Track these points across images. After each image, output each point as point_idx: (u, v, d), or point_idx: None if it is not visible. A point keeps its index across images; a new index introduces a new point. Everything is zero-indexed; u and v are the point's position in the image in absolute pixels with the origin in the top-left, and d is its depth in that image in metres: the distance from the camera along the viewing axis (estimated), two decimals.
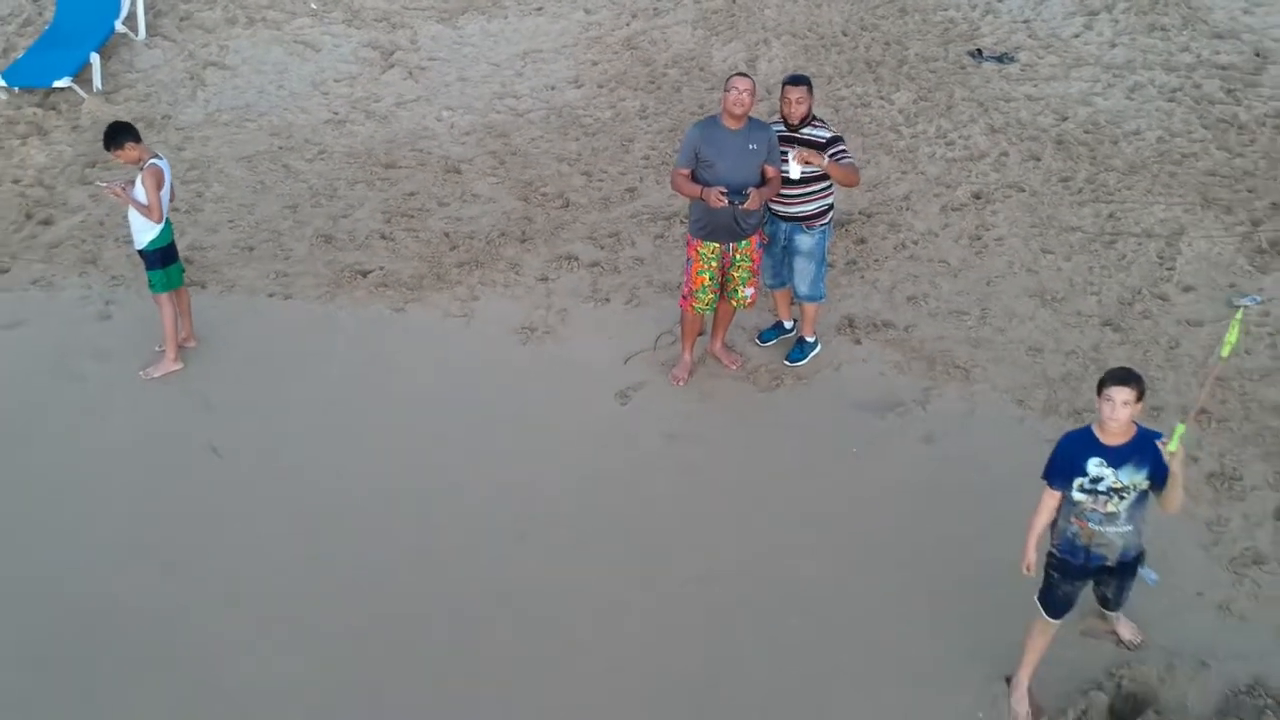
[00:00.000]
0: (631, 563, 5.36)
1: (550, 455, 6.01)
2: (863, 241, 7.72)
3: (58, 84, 9.42)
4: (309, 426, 6.24)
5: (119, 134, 6.15)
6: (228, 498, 5.79)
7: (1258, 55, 9.80)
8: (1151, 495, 4.25)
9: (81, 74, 9.65)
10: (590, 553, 5.41)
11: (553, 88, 9.98)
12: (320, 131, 9.31)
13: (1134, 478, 4.16)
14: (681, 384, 6.50)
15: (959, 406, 6.25)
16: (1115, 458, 4.16)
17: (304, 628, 5.05)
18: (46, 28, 10.33)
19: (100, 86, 9.76)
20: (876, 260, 7.53)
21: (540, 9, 11.26)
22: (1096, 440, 4.18)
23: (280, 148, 9.06)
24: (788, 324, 6.82)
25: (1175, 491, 4.19)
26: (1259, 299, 6.91)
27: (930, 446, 6.00)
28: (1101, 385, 4.12)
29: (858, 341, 6.81)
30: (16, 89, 9.56)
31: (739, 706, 4.68)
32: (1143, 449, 4.16)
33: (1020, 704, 4.61)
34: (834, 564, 5.32)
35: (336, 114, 9.56)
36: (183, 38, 10.63)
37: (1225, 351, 4.25)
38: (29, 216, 8.20)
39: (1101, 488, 4.19)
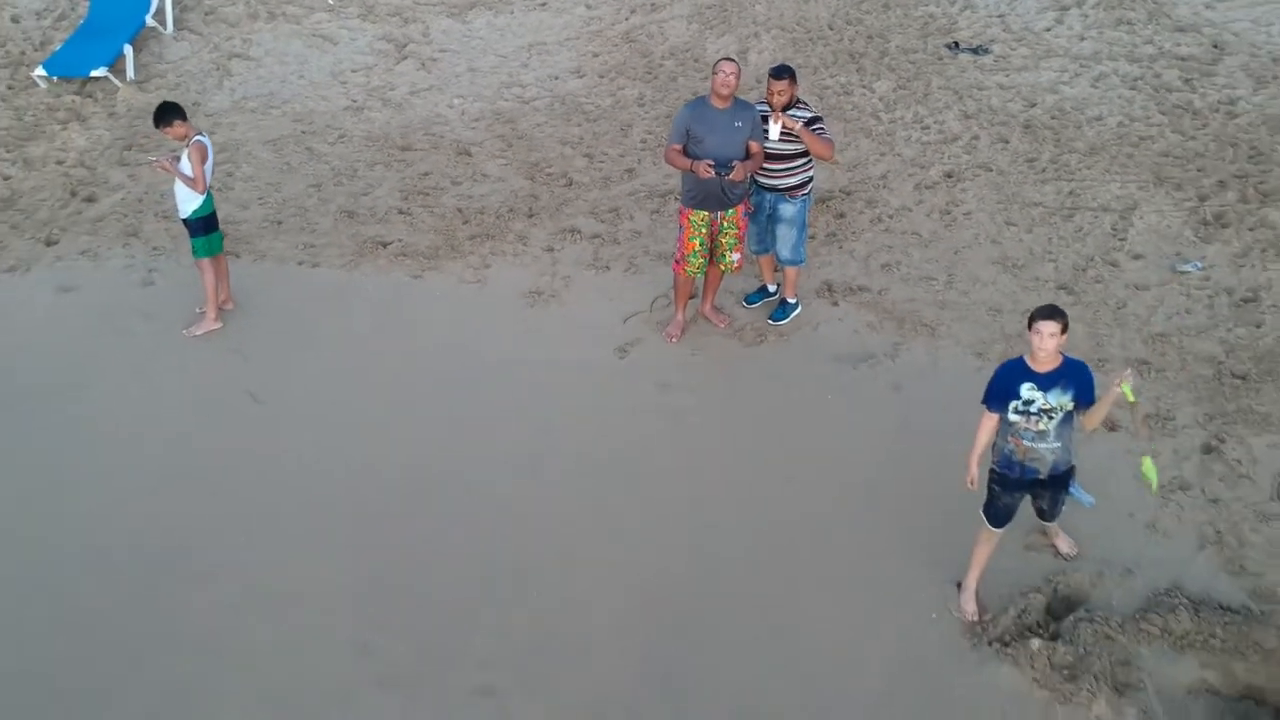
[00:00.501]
0: (629, 490, 6.04)
1: (556, 400, 6.69)
2: (842, 216, 8.40)
3: (94, 73, 10.12)
4: (337, 376, 6.92)
5: (168, 112, 6.83)
6: (265, 436, 6.47)
7: (1215, 47, 10.47)
8: (1077, 416, 4.93)
9: (115, 64, 10.33)
10: (592, 481, 6.09)
11: (556, 77, 10.66)
12: (340, 118, 10.00)
13: (1061, 399, 4.84)
14: (675, 341, 7.17)
15: (925, 359, 6.93)
16: (1045, 383, 4.83)
17: (335, 541, 5.72)
18: (82, 21, 11.00)
19: (133, 76, 10.45)
20: (854, 232, 8.21)
21: (544, 4, 11.95)
22: (1028, 368, 4.86)
23: (303, 132, 9.74)
24: (771, 287, 7.50)
25: (1096, 417, 4.88)
26: (1200, 265, 7.59)
27: (898, 393, 6.68)
28: (1031, 320, 4.79)
29: (835, 303, 7.48)
30: (55, 78, 10.24)
31: (721, 604, 5.35)
32: (1068, 375, 4.83)
33: (968, 604, 5.29)
34: (808, 490, 6.00)
35: (354, 102, 10.24)
36: (208, 31, 11.32)
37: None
38: (73, 194, 8.88)
39: (1033, 409, 4.86)
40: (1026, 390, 4.85)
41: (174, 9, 11.27)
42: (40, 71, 10.19)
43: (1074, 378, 4.84)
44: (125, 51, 10.44)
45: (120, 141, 9.55)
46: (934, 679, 5.02)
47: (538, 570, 5.56)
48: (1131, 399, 4.77)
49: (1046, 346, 4.75)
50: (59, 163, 9.28)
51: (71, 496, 6.05)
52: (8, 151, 9.42)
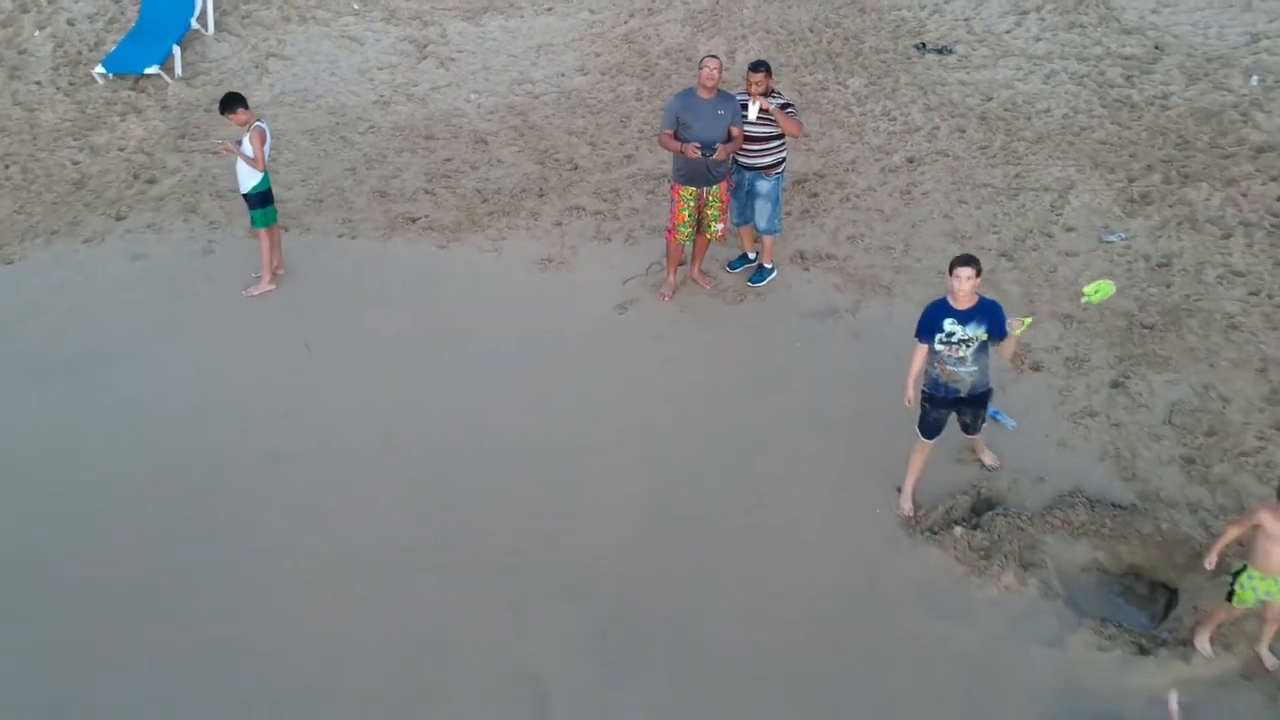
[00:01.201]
0: (627, 419, 7.18)
1: (564, 349, 7.84)
2: (815, 195, 9.55)
3: (148, 71, 11.26)
4: (375, 329, 8.06)
5: (233, 101, 7.97)
6: (318, 380, 7.61)
7: (1157, 48, 11.63)
8: (991, 346, 6.07)
9: (166, 63, 11.48)
10: (596, 412, 7.24)
11: (562, 75, 11.82)
12: (369, 110, 11.15)
13: (976, 331, 5.98)
14: (667, 299, 8.32)
15: (881, 314, 8.08)
16: (963, 318, 5.98)
17: (377, 462, 6.87)
18: (133, 24, 12.15)
19: (181, 73, 11.60)
20: (825, 210, 9.36)
21: (550, 9, 13.11)
22: (950, 306, 6.00)
23: (337, 123, 10.90)
24: (751, 255, 8.65)
25: (1009, 349, 6.04)
26: (1124, 236, 8.74)
27: (856, 341, 7.83)
28: (952, 267, 5.94)
29: (806, 269, 8.63)
30: (112, 75, 11.39)
31: (701, 503, 6.50)
32: (983, 312, 5.98)
33: (906, 502, 6.43)
34: (777, 418, 7.14)
35: (381, 96, 11.40)
36: (246, 33, 12.47)
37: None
38: (136, 177, 10.03)
39: (954, 339, 6.00)
40: (949, 324, 6.00)
41: (215, 12, 12.41)
42: (100, 70, 11.34)
43: (988, 314, 5.98)
44: (174, 51, 11.59)
45: (174, 131, 10.70)
46: (877, 559, 6.17)
47: (550, 480, 6.71)
48: (1018, 331, 5.95)
49: (964, 288, 5.90)
50: (121, 149, 10.43)
51: (154, 429, 7.18)
52: (75, 140, 10.57)
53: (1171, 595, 5.97)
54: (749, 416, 7.18)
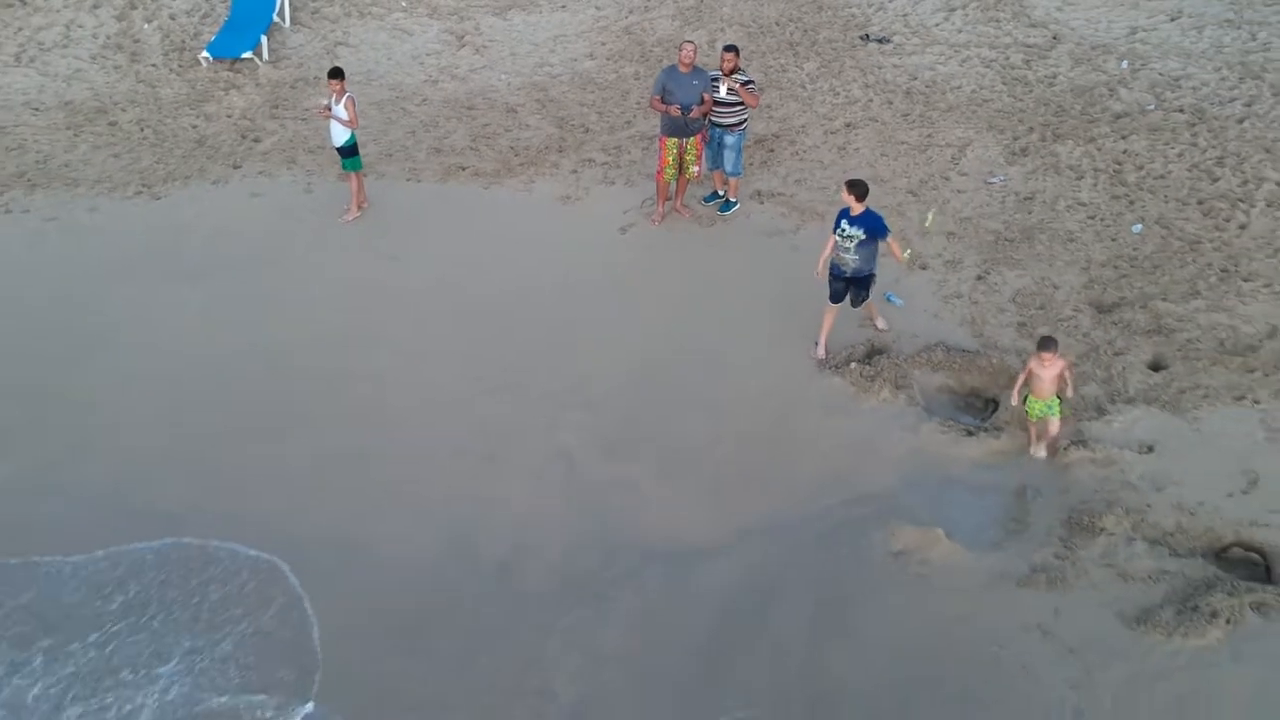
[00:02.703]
0: (625, 301, 10.01)
1: (581, 258, 10.66)
2: (772, 151, 12.36)
3: (244, 55, 14.08)
4: (438, 244, 10.88)
5: (339, 72, 10.79)
6: (400, 278, 10.43)
7: (1055, 39, 14.44)
8: (882, 245, 8.89)
9: (256, 49, 14.28)
10: (604, 297, 10.07)
11: (575, 60, 14.63)
12: (421, 88, 13.97)
13: (858, 231, 8.80)
14: (656, 224, 11.14)
15: (816, 233, 10.85)
16: (853, 221, 8.81)
17: (446, 336, 9.70)
18: (226, 18, 14.96)
19: (267, 58, 14.41)
20: (779, 161, 12.18)
21: (564, 6, 15.91)
22: (849, 212, 8.83)
23: (397, 98, 13.71)
24: (720, 192, 11.47)
25: (894, 247, 8.88)
26: (1004, 178, 11.57)
27: (795, 252, 10.63)
28: (845, 188, 8.76)
29: (761, 203, 11.45)
30: (214, 59, 14.21)
31: (676, 352, 9.32)
32: (866, 218, 8.80)
33: (820, 349, 9.26)
34: (734, 299, 9.96)
35: (430, 76, 14.21)
36: (315, 25, 15.28)
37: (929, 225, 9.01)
38: (244, 137, 12.85)
39: (846, 234, 8.83)
40: (845, 224, 8.83)
41: (290, 8, 15.21)
42: (205, 55, 14.16)
43: (868, 221, 8.80)
44: (262, 40, 14.40)
45: (268, 103, 13.52)
46: (798, 384, 9.01)
47: (571, 339, 9.55)
48: (928, 224, 8.79)
49: (854, 205, 8.73)
50: (228, 116, 13.25)
51: (276, 323, 9.97)
52: (191, 109, 13.40)
53: (994, 405, 8.79)
54: (712, 298, 10.01)
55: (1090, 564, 7.32)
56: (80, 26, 14.95)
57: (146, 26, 15.05)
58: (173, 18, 15.26)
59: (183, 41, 14.82)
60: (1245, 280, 9.81)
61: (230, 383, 9.16)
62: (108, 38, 14.79)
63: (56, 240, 11.08)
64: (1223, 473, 7.90)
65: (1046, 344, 7.93)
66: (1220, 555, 7.46)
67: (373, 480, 8.23)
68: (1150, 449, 8.15)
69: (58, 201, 11.63)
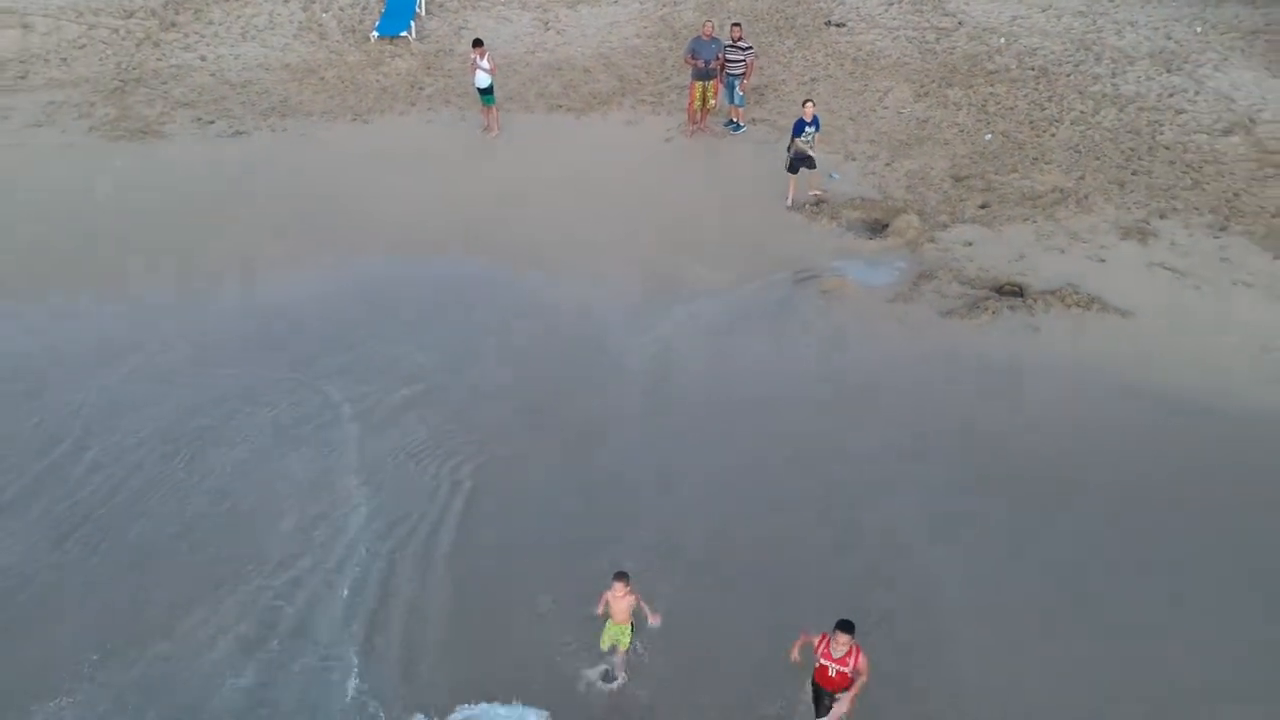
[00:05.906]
0: (666, 181, 16.45)
1: (639, 157, 17.11)
2: (762, 95, 18.81)
3: (402, 34, 20.58)
4: (550, 151, 17.33)
5: (480, 42, 17.25)
6: (528, 170, 16.87)
7: (959, 24, 20.88)
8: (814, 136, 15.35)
9: (408, 30, 20.74)
10: (653, 178, 16.52)
11: (627, 39, 21.10)
12: (524, 58, 20.44)
13: (813, 131, 15.25)
14: (689, 137, 17.63)
15: (787, 142, 17.31)
16: (814, 125, 15.27)
17: (548, 192, 16.18)
18: (382, 9, 21.42)
19: (415, 37, 20.88)
20: (767, 101, 18.62)
21: (616, 1, 22.40)
22: (803, 120, 15.29)
23: (507, 64, 20.17)
24: (733, 119, 17.94)
25: (798, 145, 15.41)
26: (837, 176, 18.02)
27: (775, 153, 17.06)
28: (803, 103, 15.23)
29: (754, 125, 17.90)
30: (380, 36, 20.69)
31: (692, 210, 15.77)
32: (816, 122, 15.26)
33: (789, 200, 15.72)
34: (736, 178, 16.41)
35: (529, 49, 20.69)
36: (442, 15, 21.77)
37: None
38: (412, 86, 19.34)
39: (806, 134, 15.28)
40: (808, 130, 15.29)
41: (424, 2, 21.67)
42: (374, 33, 20.64)
43: (817, 124, 15.26)
44: (411, 24, 20.88)
45: (422, 66, 19.99)
46: (772, 221, 15.46)
47: (621, 209, 16.02)
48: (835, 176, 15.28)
49: (806, 113, 15.20)
50: (399, 74, 19.72)
51: (445, 193, 16.43)
52: (372, 70, 19.87)
53: (885, 225, 15.21)
54: (723, 178, 16.48)
55: (928, 292, 13.76)
56: (278, 14, 21.47)
57: (324, 15, 21.55)
58: (341, 9, 21.74)
59: (352, 26, 21.30)
60: (1046, 164, 16.27)
61: (428, 222, 15.59)
62: (300, 23, 21.29)
63: (309, 148, 17.53)
64: (1007, 254, 14.35)
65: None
66: (998, 290, 13.89)
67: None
68: (970, 244, 14.61)
69: (303, 125, 18.11)
